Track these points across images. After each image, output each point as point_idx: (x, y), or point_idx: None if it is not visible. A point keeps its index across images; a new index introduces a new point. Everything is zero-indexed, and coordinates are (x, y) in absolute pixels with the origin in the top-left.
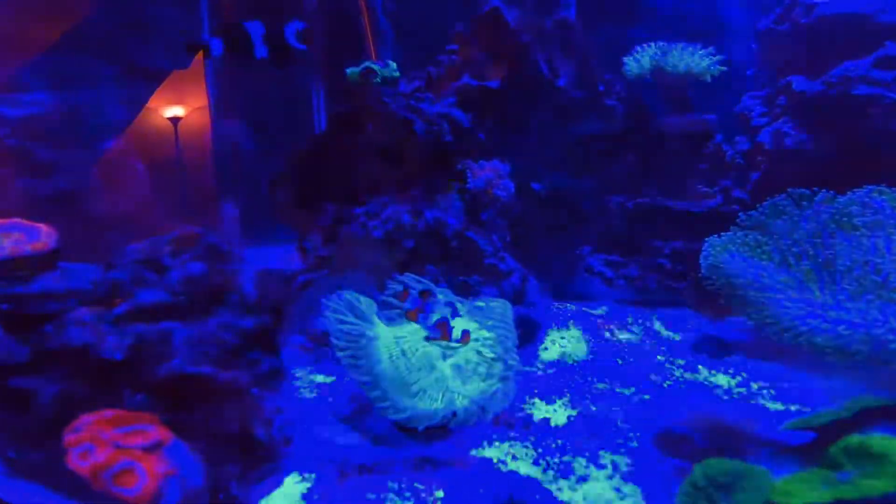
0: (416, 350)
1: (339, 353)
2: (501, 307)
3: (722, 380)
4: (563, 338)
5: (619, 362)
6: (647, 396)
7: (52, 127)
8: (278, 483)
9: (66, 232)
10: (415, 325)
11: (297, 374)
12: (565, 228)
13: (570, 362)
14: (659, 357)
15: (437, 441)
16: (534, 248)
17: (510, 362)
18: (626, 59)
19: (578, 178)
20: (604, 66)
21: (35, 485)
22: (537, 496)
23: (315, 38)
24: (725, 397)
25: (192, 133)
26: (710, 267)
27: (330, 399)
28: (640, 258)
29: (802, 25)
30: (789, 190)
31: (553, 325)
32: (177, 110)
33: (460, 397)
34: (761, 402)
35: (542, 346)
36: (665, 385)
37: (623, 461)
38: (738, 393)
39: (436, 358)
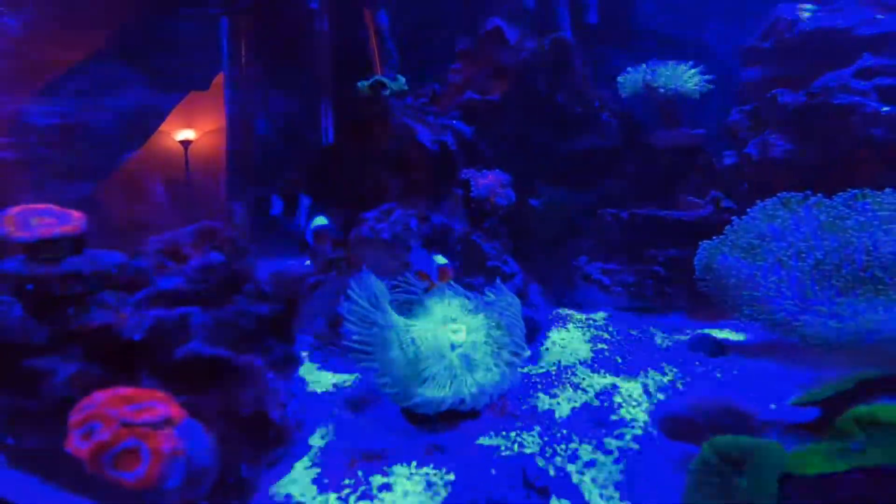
0: (426, 339)
1: (353, 340)
2: (509, 299)
3: (718, 374)
4: (563, 338)
5: (619, 360)
6: (648, 389)
7: (78, 135)
8: (289, 467)
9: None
10: (424, 315)
11: (307, 370)
12: (563, 240)
13: (572, 360)
14: (657, 356)
15: (445, 430)
16: (533, 259)
17: (518, 349)
18: (620, 78)
19: (575, 190)
20: (599, 84)
21: (29, 475)
22: (551, 473)
23: (324, 60)
24: (725, 388)
25: (203, 155)
26: (704, 268)
27: (338, 391)
28: (635, 266)
29: (786, 41)
30: (783, 194)
31: (553, 327)
32: (188, 133)
33: (468, 385)
34: (761, 392)
35: (544, 346)
36: (665, 380)
37: (629, 447)
38: (738, 385)
39: (445, 347)
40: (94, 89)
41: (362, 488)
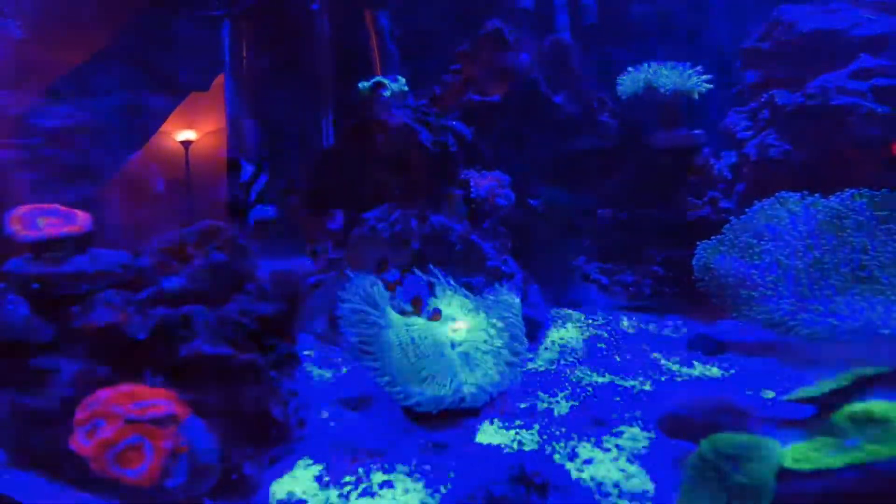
0: (426, 338)
1: (352, 340)
2: (509, 299)
3: (716, 372)
4: (562, 337)
5: (618, 359)
6: (646, 387)
7: (81, 137)
8: (291, 465)
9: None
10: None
11: (308, 369)
12: (562, 240)
13: (571, 359)
14: (655, 355)
15: (446, 428)
16: (532, 259)
17: (518, 348)
18: (619, 79)
19: (574, 191)
20: (598, 85)
21: (31, 474)
22: (550, 470)
23: (325, 61)
24: (723, 387)
25: (204, 155)
26: (702, 268)
27: (339, 390)
28: (634, 266)
29: (784, 42)
30: (781, 194)
31: (552, 326)
32: (189, 134)
33: (468, 384)
34: (758, 390)
35: (543, 345)
36: (662, 379)
37: (627, 445)
38: (735, 383)
39: (445, 346)
40: (96, 90)
41: (363, 485)
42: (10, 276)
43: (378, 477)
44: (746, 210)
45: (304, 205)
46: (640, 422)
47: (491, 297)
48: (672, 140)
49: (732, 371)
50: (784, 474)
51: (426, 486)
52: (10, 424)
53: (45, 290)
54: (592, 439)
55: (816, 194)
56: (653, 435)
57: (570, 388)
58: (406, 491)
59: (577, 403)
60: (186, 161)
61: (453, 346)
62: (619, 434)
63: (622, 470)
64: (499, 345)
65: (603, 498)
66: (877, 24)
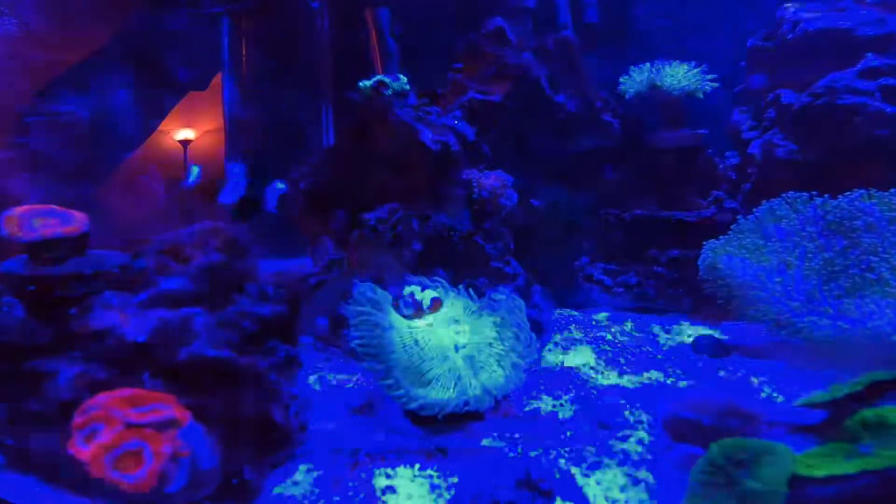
0: (430, 340)
1: (356, 343)
2: (515, 302)
3: (723, 376)
4: (565, 339)
5: (622, 361)
6: (652, 390)
7: (78, 136)
8: (292, 469)
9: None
10: (432, 316)
11: (308, 372)
12: (564, 240)
13: (575, 361)
14: (659, 356)
15: (449, 431)
16: (534, 260)
17: (523, 350)
18: (622, 78)
19: (576, 191)
20: (601, 85)
21: (30, 477)
22: (555, 475)
23: (325, 59)
24: (730, 389)
25: (202, 154)
26: (708, 269)
27: (341, 393)
28: (638, 267)
29: (789, 41)
30: (789, 194)
31: (556, 328)
32: (187, 133)
33: (473, 386)
34: (766, 394)
35: (546, 347)
36: (668, 381)
37: (633, 449)
38: (741, 386)
39: (448, 348)
40: (94, 89)
41: (365, 491)
42: (6, 278)
43: (381, 482)
44: (752, 210)
45: (304, 204)
46: (645, 425)
47: (495, 299)
48: (676, 140)
49: (739, 374)
50: (796, 480)
51: (430, 490)
52: (8, 428)
53: (41, 292)
54: (597, 443)
55: (825, 195)
56: (659, 438)
57: (574, 390)
58: (409, 496)
59: (581, 406)
60: (185, 160)
61: (457, 348)
62: (624, 438)
63: (628, 474)
64: (504, 347)
65: (609, 503)
66: (883, 22)
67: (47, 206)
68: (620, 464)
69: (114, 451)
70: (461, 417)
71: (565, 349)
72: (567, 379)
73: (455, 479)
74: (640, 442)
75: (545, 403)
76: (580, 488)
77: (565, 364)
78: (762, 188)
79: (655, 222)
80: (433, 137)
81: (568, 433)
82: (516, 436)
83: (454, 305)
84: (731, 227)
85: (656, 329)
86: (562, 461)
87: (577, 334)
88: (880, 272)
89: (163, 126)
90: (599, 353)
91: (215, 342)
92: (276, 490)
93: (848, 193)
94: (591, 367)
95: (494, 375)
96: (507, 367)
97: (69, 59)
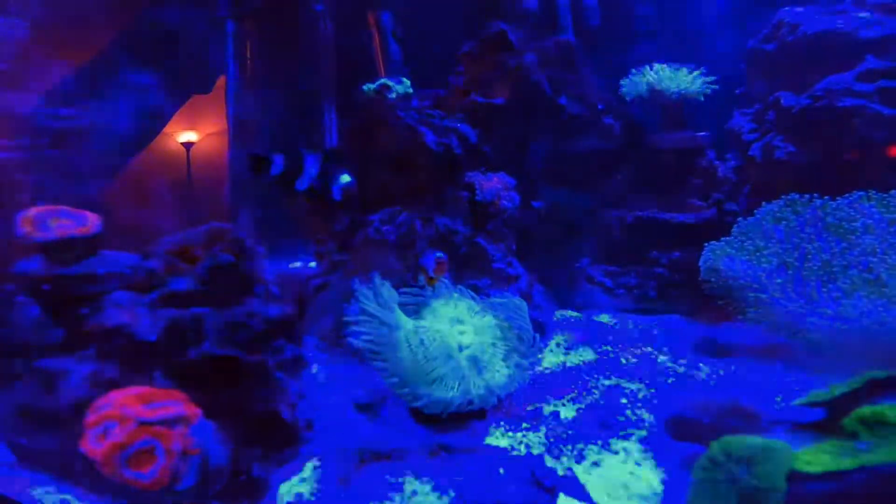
0: (435, 340)
1: (363, 340)
2: (517, 302)
3: (723, 376)
4: (567, 340)
5: (623, 362)
6: (652, 390)
7: (85, 137)
8: (299, 466)
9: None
10: (432, 317)
11: (313, 371)
12: (565, 242)
13: (576, 362)
14: (661, 357)
15: (453, 430)
16: (536, 261)
17: (526, 350)
18: (623, 81)
19: (577, 193)
20: (602, 87)
21: (40, 476)
22: (559, 474)
23: (328, 63)
24: (730, 389)
25: (204, 157)
26: (708, 270)
27: (345, 393)
28: (638, 268)
29: (788, 44)
30: (789, 196)
31: (558, 329)
32: (190, 136)
33: (476, 386)
34: (766, 393)
35: (548, 348)
36: (669, 381)
37: (634, 447)
38: (742, 386)
39: (453, 348)
40: (100, 91)
41: (371, 487)
42: (21, 278)
43: (386, 478)
44: (752, 212)
45: (309, 207)
46: (647, 424)
47: (498, 300)
48: (676, 142)
49: (740, 374)
50: (794, 476)
51: (434, 488)
52: (20, 426)
53: (55, 292)
54: (599, 442)
55: (825, 197)
56: (660, 437)
57: (575, 390)
58: (414, 493)
59: (583, 406)
60: (188, 162)
61: (461, 348)
62: (626, 437)
63: (630, 472)
64: (507, 347)
65: (612, 501)
66: (882, 25)
67: (61, 207)
68: (622, 462)
69: (126, 450)
70: (464, 416)
71: (567, 350)
72: (569, 379)
73: (459, 478)
74: (641, 440)
75: (547, 403)
76: (583, 486)
77: (567, 364)
78: (762, 190)
79: (656, 224)
80: (436, 140)
81: (570, 432)
82: (519, 435)
83: (458, 306)
84: (732, 228)
85: (657, 330)
86: (564, 459)
87: (579, 335)
88: (878, 273)
89: (166, 128)
90: (601, 354)
91: (224, 341)
92: (284, 487)
93: (847, 195)
94: (593, 368)
95: (498, 375)
96: (511, 366)
97: (76, 62)
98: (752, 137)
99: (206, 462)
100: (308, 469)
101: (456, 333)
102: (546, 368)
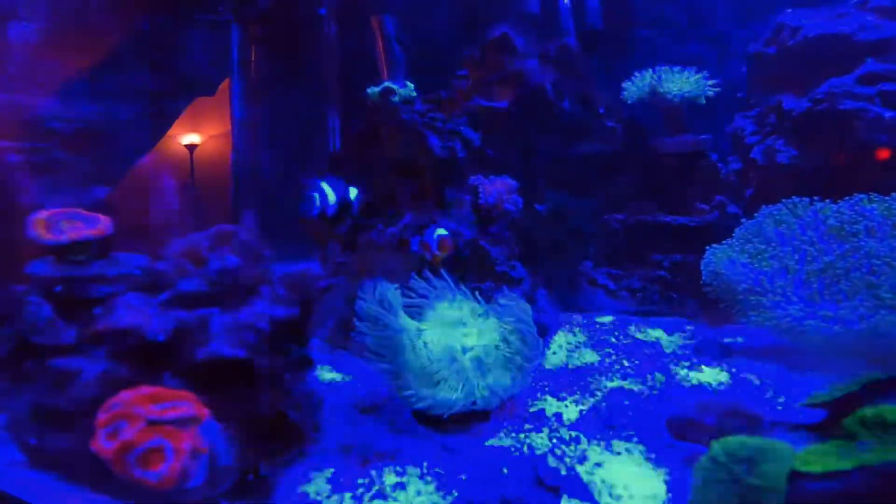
0: (438, 342)
1: (368, 342)
2: (521, 305)
3: (725, 377)
4: (569, 342)
5: (626, 364)
6: (655, 392)
7: (93, 139)
8: (305, 467)
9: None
10: (435, 319)
11: (317, 373)
12: (567, 245)
13: (579, 364)
14: (663, 359)
15: (456, 431)
16: (538, 264)
17: (529, 353)
18: (625, 84)
19: (580, 196)
20: (604, 90)
21: (50, 474)
22: (561, 474)
23: (331, 66)
24: (731, 391)
25: (209, 159)
26: (711, 274)
27: (350, 394)
28: (641, 271)
29: (789, 47)
30: (790, 199)
31: (560, 331)
32: (193, 138)
33: (480, 388)
34: (767, 395)
35: (551, 350)
36: (671, 383)
37: (637, 448)
38: (744, 388)
39: (456, 350)
40: (108, 93)
41: (376, 488)
42: (34, 279)
43: (390, 479)
44: (754, 215)
45: None
46: (649, 425)
47: (501, 302)
48: (679, 145)
49: (741, 376)
50: (795, 476)
51: (438, 488)
52: (31, 425)
53: (67, 293)
54: (602, 443)
55: (827, 200)
56: (662, 438)
57: (578, 392)
58: (418, 493)
59: (585, 407)
60: (191, 164)
61: (465, 350)
62: (628, 438)
63: (633, 473)
64: (510, 350)
65: (614, 501)
66: (885, 28)
67: (73, 209)
68: (625, 463)
69: (137, 449)
70: (467, 417)
71: (570, 352)
72: (571, 381)
73: (463, 477)
74: (643, 441)
75: (550, 404)
76: (586, 486)
77: (570, 366)
78: (764, 193)
79: (658, 227)
80: (440, 143)
81: (573, 433)
82: (521, 436)
83: (461, 308)
84: (734, 231)
85: (659, 332)
86: (567, 460)
87: (582, 337)
88: (880, 276)
89: (170, 131)
90: (603, 356)
91: (232, 342)
92: (290, 486)
93: (849, 198)
94: (595, 369)
95: (501, 377)
96: (514, 369)
97: (83, 65)
98: (754, 140)
99: (214, 461)
100: (314, 469)
101: (460, 336)
102: (549, 370)
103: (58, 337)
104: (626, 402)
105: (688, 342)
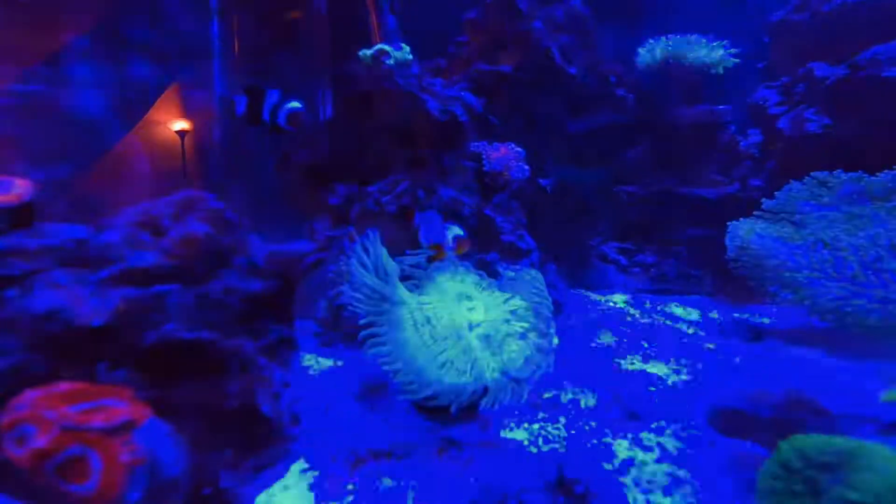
0: (442, 318)
1: (360, 318)
2: (532, 274)
3: (764, 362)
4: (581, 320)
5: (645, 345)
6: (683, 377)
7: (51, 116)
8: (282, 471)
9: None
10: (436, 292)
11: (307, 359)
12: (576, 220)
13: (594, 344)
14: (684, 340)
15: (461, 422)
16: (544, 240)
17: (547, 331)
18: (639, 50)
19: (586, 169)
20: (615, 59)
21: None
22: (585, 473)
23: (321, 35)
24: (781, 378)
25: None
26: (738, 249)
27: (341, 382)
28: (655, 246)
29: (823, 13)
30: (821, 172)
31: (571, 309)
32: (184, 124)
33: (490, 369)
34: (816, 384)
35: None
36: (699, 366)
37: (671, 443)
38: (788, 375)
39: (462, 327)
40: (73, 69)
41: (368, 495)
42: None
43: (386, 483)
44: (779, 187)
45: (301, 179)
46: (683, 416)
47: (510, 273)
48: (696, 116)
49: (781, 361)
50: None
51: (443, 493)
52: None
53: None
54: (629, 436)
55: (860, 171)
56: (703, 432)
57: (595, 376)
58: (417, 501)
59: (605, 394)
60: (182, 151)
61: (471, 326)
62: (659, 430)
63: (669, 473)
64: (523, 325)
65: None
66: None
67: None
68: (658, 461)
69: (54, 458)
70: (474, 405)
71: (583, 330)
72: (587, 363)
73: (471, 479)
74: (677, 436)
75: (565, 391)
76: (617, 489)
77: (584, 347)
78: (791, 164)
79: (674, 199)
80: (439, 107)
81: (593, 423)
82: (535, 426)
83: (464, 280)
84: (760, 204)
85: (678, 311)
86: (589, 456)
87: (594, 315)
88: None
89: (158, 117)
90: (620, 336)
91: (193, 323)
92: (261, 498)
93: (892, 169)
94: (613, 351)
95: (514, 356)
96: (531, 348)
97: (49, 39)
98: (780, 111)
99: (155, 473)
100: (294, 472)
101: (464, 310)
102: (561, 351)
103: None
104: (652, 389)
105: (709, 322)
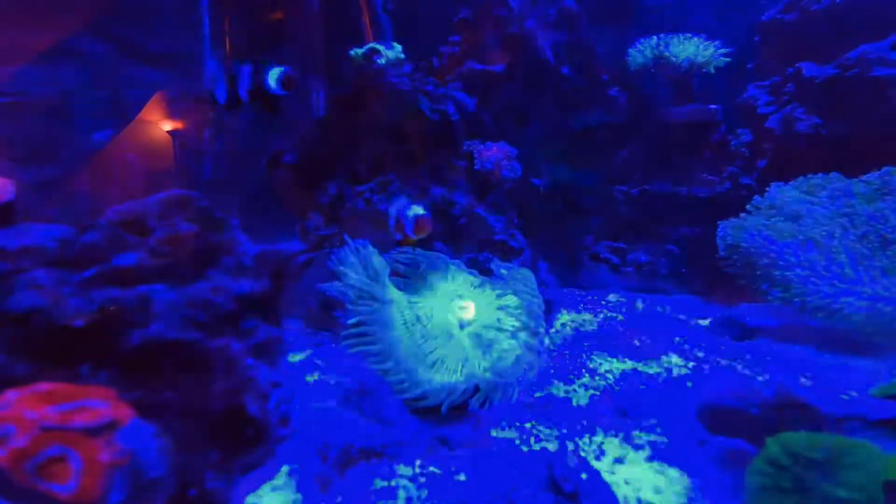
0: (432, 317)
1: (349, 320)
2: (524, 272)
3: (755, 360)
4: (573, 320)
5: (637, 344)
6: (674, 374)
7: (37, 115)
8: (271, 473)
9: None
10: (427, 291)
11: (297, 358)
12: (567, 218)
13: (586, 344)
14: (677, 339)
15: (452, 421)
16: (536, 239)
17: (538, 330)
18: (631, 50)
19: (579, 169)
20: (607, 58)
21: None
22: (576, 472)
23: (314, 33)
24: (761, 377)
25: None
26: (729, 247)
27: (331, 382)
28: (647, 245)
29: (813, 13)
30: (814, 173)
31: (563, 308)
32: (174, 124)
33: (482, 369)
34: (804, 382)
35: (554, 328)
36: (690, 365)
37: (662, 441)
38: (778, 372)
39: (453, 326)
40: (59, 67)
41: (358, 494)
42: None
43: (377, 483)
44: (769, 186)
45: (292, 179)
46: (674, 414)
47: (503, 272)
48: (687, 114)
49: (771, 358)
50: (891, 486)
51: (434, 493)
52: None
53: None
54: (621, 434)
55: (851, 170)
56: (692, 430)
57: (587, 375)
58: (410, 500)
59: (597, 392)
60: (175, 151)
61: (462, 325)
62: (650, 429)
63: (660, 472)
64: (514, 325)
65: None
66: None
67: None
68: (649, 459)
69: (35, 458)
70: (466, 404)
71: (574, 330)
72: (579, 362)
73: (462, 477)
74: (667, 433)
75: (557, 389)
76: (607, 487)
77: (576, 346)
78: (779, 164)
79: (666, 198)
80: (431, 106)
81: (584, 422)
82: (527, 425)
83: (455, 279)
84: (751, 203)
85: (669, 310)
86: (581, 454)
87: (587, 315)
88: None
89: (151, 117)
90: (612, 335)
91: (179, 323)
92: (250, 499)
93: (883, 168)
94: (605, 350)
95: (506, 355)
96: (522, 347)
97: (25, 34)
98: (770, 110)
99: (139, 473)
100: (283, 474)
101: (455, 309)
102: (554, 350)
103: None
104: (643, 387)
105: (701, 321)
